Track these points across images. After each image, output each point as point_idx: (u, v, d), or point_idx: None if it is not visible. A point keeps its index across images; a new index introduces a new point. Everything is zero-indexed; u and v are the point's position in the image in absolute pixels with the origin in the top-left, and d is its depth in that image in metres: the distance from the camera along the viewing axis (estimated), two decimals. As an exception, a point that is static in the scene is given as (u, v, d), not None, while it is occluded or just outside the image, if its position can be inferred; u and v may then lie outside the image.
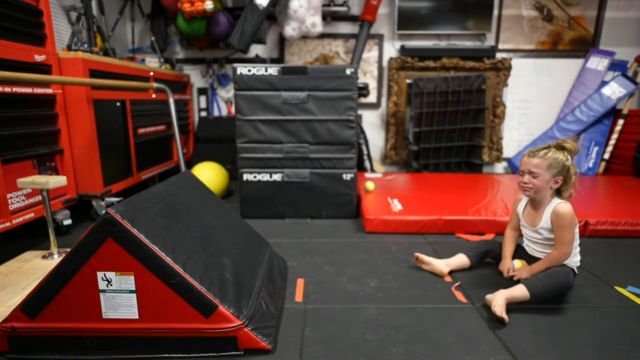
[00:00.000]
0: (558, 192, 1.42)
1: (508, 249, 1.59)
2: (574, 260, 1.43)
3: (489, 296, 1.32)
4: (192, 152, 3.57)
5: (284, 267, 1.62)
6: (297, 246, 1.91)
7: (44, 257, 1.68)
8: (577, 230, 1.40)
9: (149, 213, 1.10)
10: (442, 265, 1.60)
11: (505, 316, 1.24)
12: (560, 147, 1.39)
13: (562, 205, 1.38)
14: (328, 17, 3.54)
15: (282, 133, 2.30)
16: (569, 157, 1.37)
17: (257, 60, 3.60)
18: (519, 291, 1.31)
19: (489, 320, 1.26)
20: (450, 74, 3.49)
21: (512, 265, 1.53)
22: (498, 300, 1.28)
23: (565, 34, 3.67)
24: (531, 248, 1.52)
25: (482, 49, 3.50)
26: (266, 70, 2.23)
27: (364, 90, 3.34)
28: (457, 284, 1.51)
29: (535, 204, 1.45)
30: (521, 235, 1.59)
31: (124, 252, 1.00)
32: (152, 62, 3.46)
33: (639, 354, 1.10)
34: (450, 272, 1.61)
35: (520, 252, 1.59)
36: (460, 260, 1.63)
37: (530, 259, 1.51)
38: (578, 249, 1.43)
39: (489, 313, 1.30)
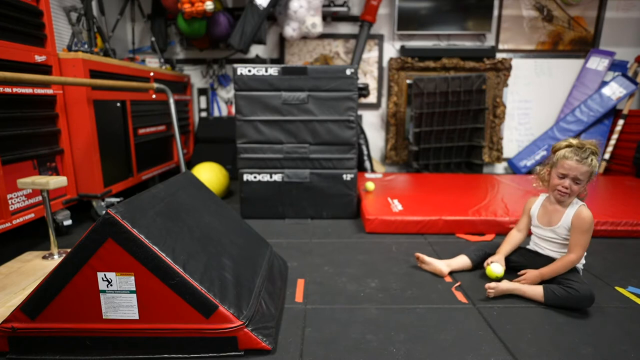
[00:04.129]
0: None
1: (505, 247, 1.56)
2: (581, 262, 1.43)
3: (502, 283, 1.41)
4: (192, 153, 3.57)
5: (284, 267, 1.62)
6: (297, 246, 1.91)
7: (44, 257, 1.68)
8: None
9: (149, 213, 1.10)
10: (443, 265, 1.59)
11: (490, 293, 1.37)
12: (593, 153, 1.36)
13: (584, 209, 1.38)
14: (328, 17, 3.54)
15: (282, 133, 2.30)
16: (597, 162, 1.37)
17: (257, 60, 3.60)
18: (533, 292, 1.36)
19: (489, 321, 1.26)
20: (450, 74, 3.49)
21: (498, 265, 1.49)
22: (499, 284, 1.39)
23: (565, 34, 3.67)
24: (542, 247, 1.50)
25: (482, 49, 3.50)
26: (266, 71, 2.24)
27: (364, 91, 3.34)
28: (457, 284, 1.51)
29: (557, 204, 1.44)
30: (527, 236, 1.58)
31: (124, 252, 1.00)
32: (153, 63, 3.46)
33: (639, 354, 1.10)
34: (451, 273, 1.61)
35: (522, 255, 1.56)
36: (462, 261, 1.62)
37: (536, 258, 1.50)
38: (585, 252, 1.43)
39: (489, 313, 1.30)
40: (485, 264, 1.53)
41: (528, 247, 1.57)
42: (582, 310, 1.32)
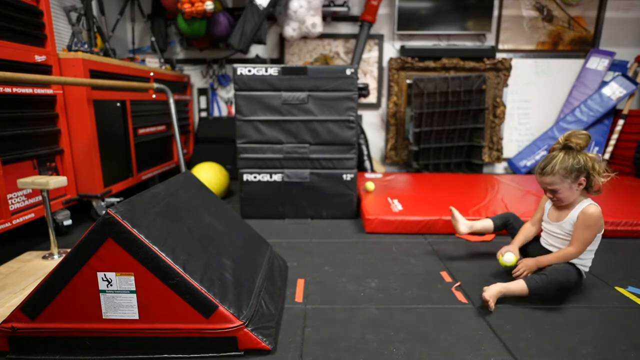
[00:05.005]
0: (587, 187, 1.37)
1: (519, 238, 1.58)
2: (585, 264, 1.42)
3: (486, 288, 1.34)
4: (192, 153, 3.57)
5: (284, 267, 1.62)
6: (297, 246, 1.91)
7: (44, 257, 1.68)
8: (600, 235, 1.39)
9: (149, 213, 1.10)
10: (463, 226, 1.70)
11: (492, 304, 1.29)
12: (567, 148, 1.35)
13: (592, 207, 1.37)
14: (328, 17, 3.54)
15: (282, 133, 2.30)
16: (577, 156, 1.33)
17: (257, 60, 3.60)
18: (517, 285, 1.33)
19: (489, 321, 1.26)
20: (450, 74, 3.49)
21: (510, 254, 1.51)
22: (491, 289, 1.33)
23: (565, 34, 3.66)
24: (547, 242, 1.50)
25: (482, 49, 3.50)
26: (266, 71, 2.24)
27: (364, 91, 3.34)
28: (457, 284, 1.51)
29: (565, 205, 1.43)
30: (538, 235, 1.58)
31: (124, 252, 1.00)
32: (153, 63, 3.46)
33: (639, 354, 1.10)
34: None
35: (533, 246, 1.57)
36: (485, 223, 1.72)
37: (542, 251, 1.50)
38: (592, 255, 1.43)
39: (490, 313, 1.30)
40: (498, 254, 1.54)
41: (540, 240, 1.58)
42: (581, 310, 1.32)
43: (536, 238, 1.58)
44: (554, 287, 1.33)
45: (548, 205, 1.52)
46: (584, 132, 1.35)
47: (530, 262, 1.43)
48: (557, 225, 1.44)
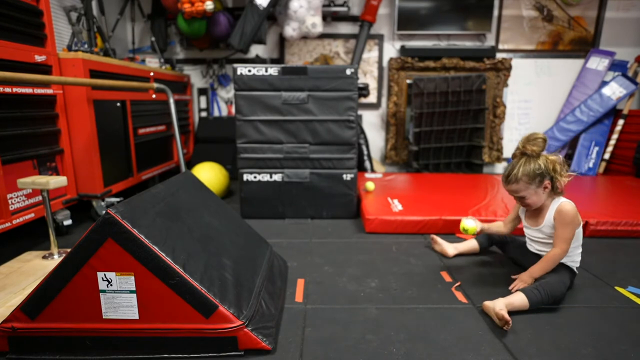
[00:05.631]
0: (553, 188, 1.39)
1: (490, 227, 1.64)
2: (575, 260, 1.43)
3: (487, 303, 1.29)
4: (192, 153, 3.57)
5: (284, 267, 1.62)
6: (297, 246, 1.91)
7: (44, 257, 1.68)
8: (580, 230, 1.40)
9: (149, 213, 1.10)
10: (450, 247, 1.77)
11: (507, 327, 1.19)
12: (524, 155, 1.37)
13: (565, 204, 1.37)
14: (328, 17, 3.54)
15: (282, 133, 2.30)
16: (537, 161, 1.34)
17: (257, 60, 3.60)
18: (518, 300, 1.29)
19: (489, 321, 1.26)
20: (450, 74, 3.49)
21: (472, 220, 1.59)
22: (500, 305, 1.24)
23: (566, 34, 3.66)
24: (534, 247, 1.52)
25: (482, 49, 3.50)
26: (266, 71, 2.24)
27: (364, 91, 3.33)
28: (457, 284, 1.51)
29: (537, 209, 1.45)
30: (522, 235, 1.59)
31: (124, 252, 1.00)
32: (153, 63, 3.46)
33: (639, 354, 1.10)
34: (459, 256, 1.76)
35: (523, 252, 1.59)
36: (470, 245, 1.76)
37: (532, 257, 1.51)
38: (580, 250, 1.44)
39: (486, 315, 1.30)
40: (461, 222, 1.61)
41: (527, 245, 1.58)
42: (581, 310, 1.32)
43: (525, 246, 1.58)
44: (552, 298, 1.32)
45: (522, 211, 1.53)
46: (540, 136, 1.35)
47: (525, 277, 1.43)
48: (537, 230, 1.46)
